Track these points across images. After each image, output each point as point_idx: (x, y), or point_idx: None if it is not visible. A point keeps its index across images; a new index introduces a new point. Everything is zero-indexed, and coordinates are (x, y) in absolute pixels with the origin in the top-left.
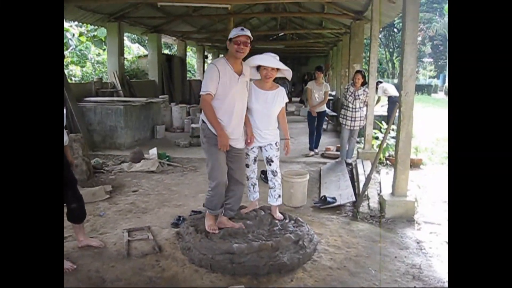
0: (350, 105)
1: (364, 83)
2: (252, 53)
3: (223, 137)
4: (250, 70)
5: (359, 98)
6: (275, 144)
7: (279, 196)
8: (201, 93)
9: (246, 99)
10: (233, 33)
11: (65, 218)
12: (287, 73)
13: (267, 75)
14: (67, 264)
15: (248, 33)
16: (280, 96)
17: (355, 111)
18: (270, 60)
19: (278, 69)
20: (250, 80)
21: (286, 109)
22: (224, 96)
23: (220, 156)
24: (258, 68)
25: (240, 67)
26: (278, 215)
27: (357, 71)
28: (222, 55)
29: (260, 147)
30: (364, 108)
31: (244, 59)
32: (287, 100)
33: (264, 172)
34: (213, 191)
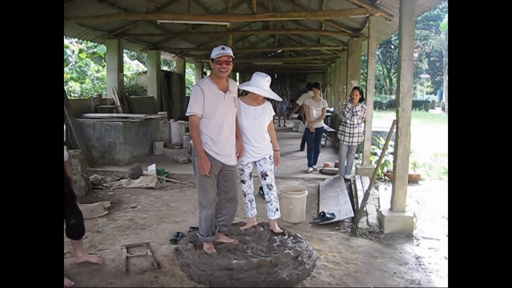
0: (348, 121)
1: (362, 99)
2: (251, 69)
3: (203, 160)
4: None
5: (357, 114)
6: (269, 158)
7: (277, 209)
8: (186, 114)
9: (234, 115)
10: (215, 53)
11: (64, 234)
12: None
13: (257, 99)
14: (65, 281)
15: (230, 52)
16: (268, 110)
17: (353, 127)
18: (260, 90)
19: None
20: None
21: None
22: (212, 114)
23: (206, 179)
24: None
25: (225, 84)
26: (277, 228)
27: (355, 88)
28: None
29: (255, 162)
30: (362, 124)
31: (243, 73)
32: (274, 113)
33: (262, 188)
34: (199, 214)
